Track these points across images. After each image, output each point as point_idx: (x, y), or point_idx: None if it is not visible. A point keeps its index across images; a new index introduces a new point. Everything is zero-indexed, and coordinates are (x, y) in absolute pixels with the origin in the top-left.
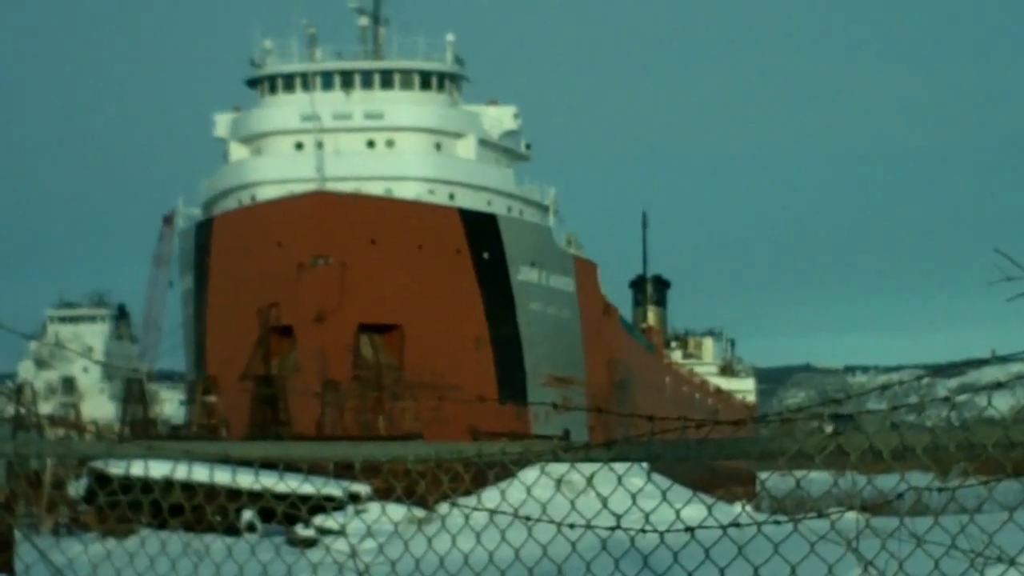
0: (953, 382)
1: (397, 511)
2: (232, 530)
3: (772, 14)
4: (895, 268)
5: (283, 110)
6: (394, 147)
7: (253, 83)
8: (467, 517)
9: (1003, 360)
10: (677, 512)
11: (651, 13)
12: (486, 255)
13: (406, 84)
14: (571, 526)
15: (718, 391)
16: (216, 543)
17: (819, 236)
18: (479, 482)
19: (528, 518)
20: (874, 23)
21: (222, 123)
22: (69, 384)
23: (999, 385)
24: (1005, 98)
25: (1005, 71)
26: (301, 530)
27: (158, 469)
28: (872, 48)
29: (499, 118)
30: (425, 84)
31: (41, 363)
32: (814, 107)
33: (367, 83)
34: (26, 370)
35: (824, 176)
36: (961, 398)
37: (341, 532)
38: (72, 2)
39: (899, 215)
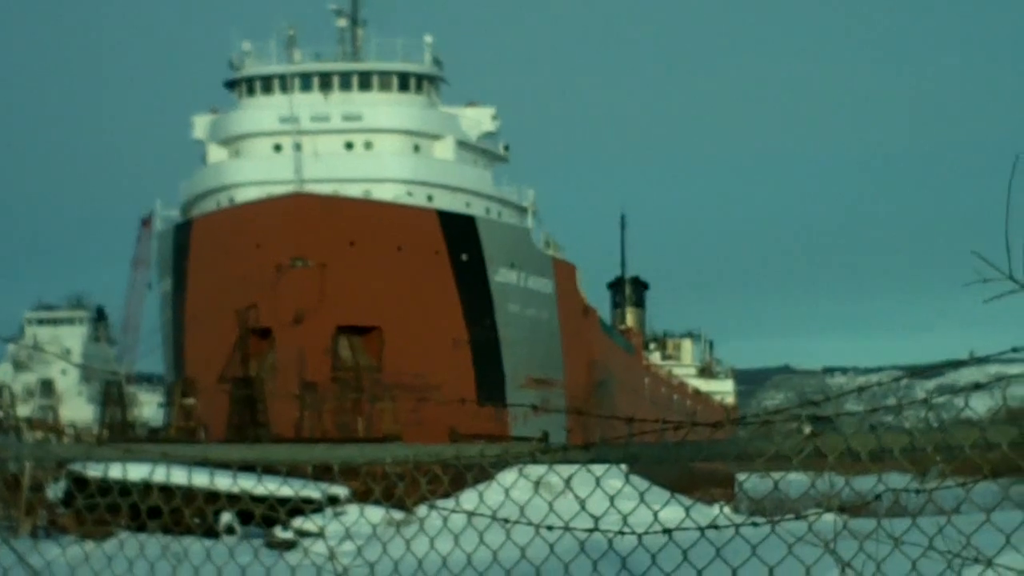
0: (931, 383)
1: (376, 513)
2: (211, 532)
3: (751, 16)
4: (874, 270)
5: (262, 112)
6: (372, 149)
7: (231, 85)
8: (445, 519)
9: (981, 361)
10: (655, 514)
11: (630, 15)
12: (464, 257)
13: (384, 86)
14: (549, 528)
15: (697, 392)
16: (195, 545)
17: (798, 238)
18: (458, 484)
19: (506, 520)
20: (852, 24)
21: (200, 125)
22: (47, 386)
23: (977, 386)
24: (982, 100)
25: (988, 73)
26: (280, 532)
27: (136, 472)
28: (849, 50)
29: (477, 119)
30: (403, 86)
31: (19, 365)
32: (794, 109)
33: (346, 85)
34: (4, 372)
35: (803, 178)
36: (939, 399)
37: (320, 534)
38: (49, 5)
39: (877, 217)
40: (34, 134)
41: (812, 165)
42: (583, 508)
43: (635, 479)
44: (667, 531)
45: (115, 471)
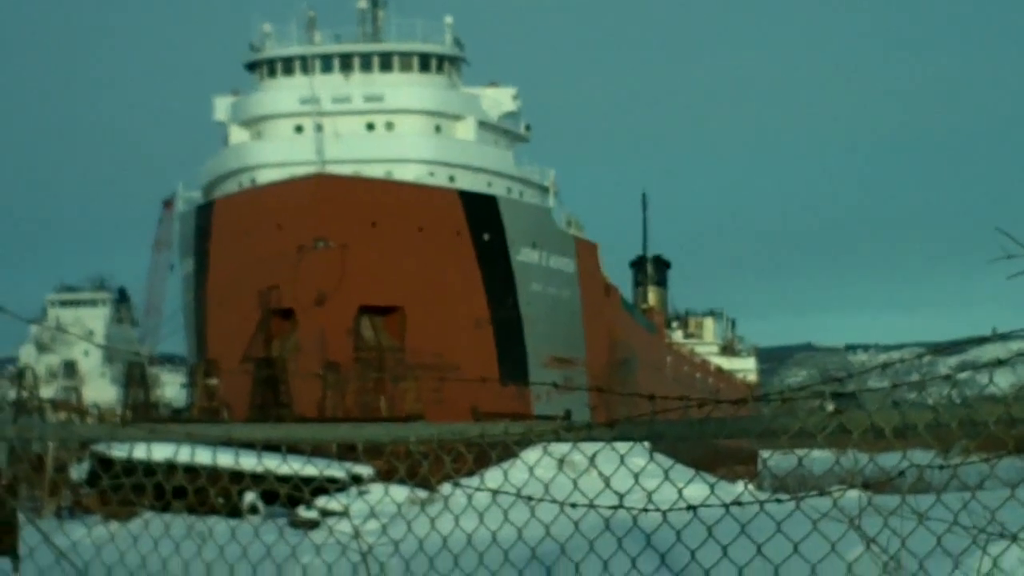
0: (954, 360)
1: (400, 492)
2: (235, 512)
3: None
4: (895, 247)
5: (282, 93)
6: (394, 129)
7: (252, 67)
8: (470, 497)
9: (1004, 338)
10: (679, 491)
11: None
12: (486, 236)
13: (405, 66)
14: (574, 505)
15: (719, 371)
16: (219, 525)
17: (819, 216)
18: (482, 463)
19: (531, 498)
20: (869, 11)
21: (222, 107)
22: (70, 368)
23: (1000, 363)
24: (1005, 80)
25: (1005, 54)
26: (304, 512)
27: (160, 452)
28: (870, 33)
29: (498, 100)
30: (424, 66)
31: (42, 347)
32: (815, 89)
33: (366, 66)
34: (27, 354)
35: (825, 157)
36: (962, 375)
37: (344, 513)
38: None
39: (899, 195)
40: (57, 117)
41: (835, 143)
42: (607, 486)
43: (659, 457)
44: (692, 508)
45: (140, 451)
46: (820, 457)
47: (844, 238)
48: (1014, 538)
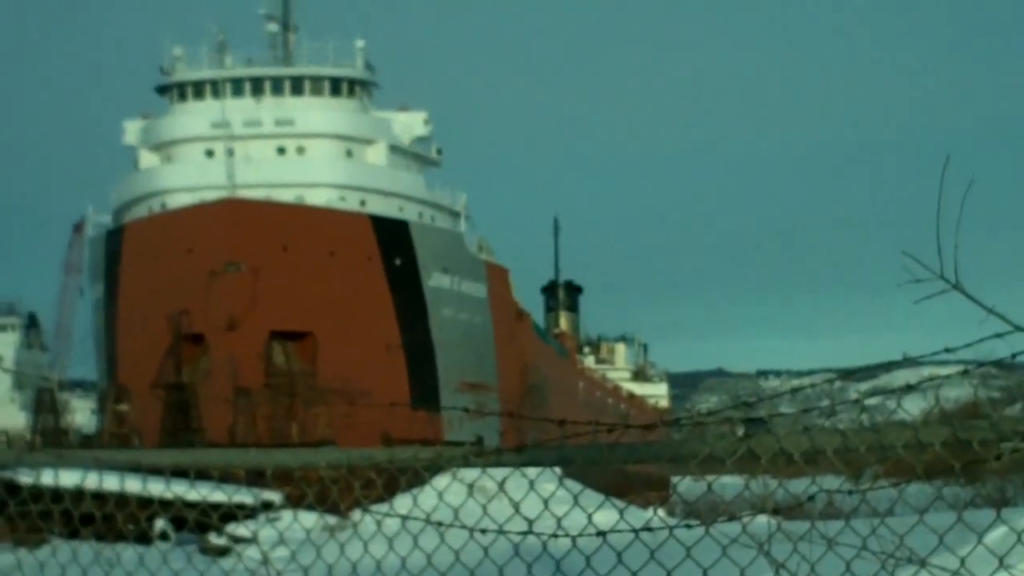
0: (864, 385)
1: (309, 518)
2: (144, 538)
3: (677, 19)
4: (806, 272)
5: (193, 117)
6: (305, 153)
7: (163, 90)
8: (379, 523)
9: (914, 362)
10: (589, 516)
11: (559, 17)
12: (398, 261)
13: (316, 90)
14: (483, 531)
15: (631, 396)
16: (128, 551)
17: (729, 240)
18: (391, 488)
19: (440, 524)
20: (786, 22)
21: (132, 130)
22: None
23: (909, 387)
24: (911, 99)
25: (917, 71)
26: (214, 538)
27: (68, 478)
28: (780, 48)
29: (409, 124)
30: (335, 90)
31: None
32: (723, 109)
33: (277, 89)
34: None
35: (733, 180)
36: (871, 400)
37: (253, 540)
38: None
39: (807, 218)
40: None
41: (743, 167)
42: (517, 511)
43: (569, 482)
44: (601, 533)
45: (47, 477)
46: (731, 483)
47: (755, 262)
48: (922, 563)
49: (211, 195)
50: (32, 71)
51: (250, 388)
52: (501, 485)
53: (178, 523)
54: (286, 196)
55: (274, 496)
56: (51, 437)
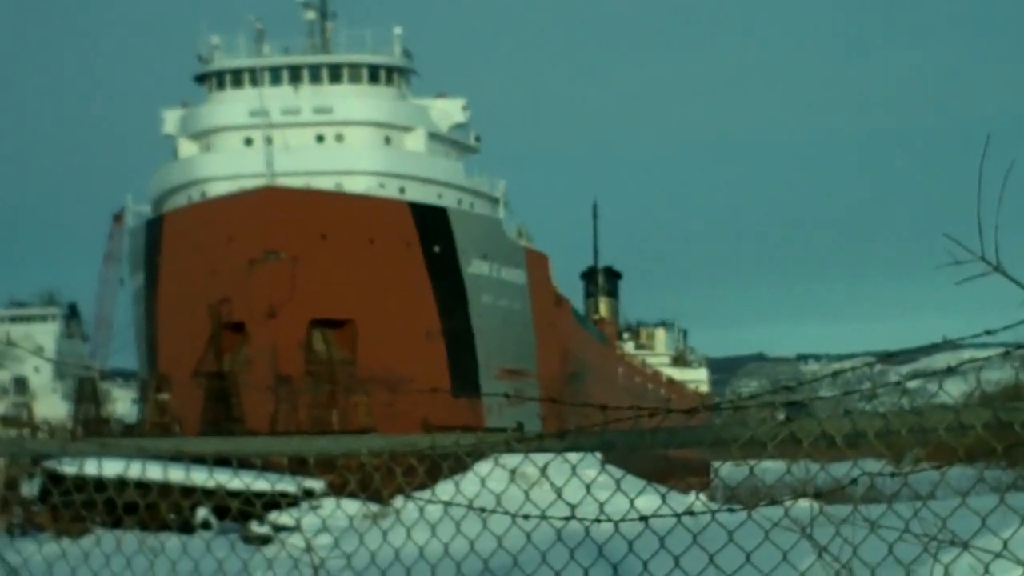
0: (905, 368)
1: (352, 506)
2: (187, 527)
3: (717, 7)
4: (845, 256)
5: (231, 106)
6: (343, 141)
7: (201, 79)
8: (422, 510)
9: (954, 345)
10: (631, 501)
11: (601, 4)
12: (437, 248)
13: (354, 78)
14: (525, 517)
15: (671, 381)
16: (171, 541)
17: (770, 225)
18: (433, 475)
19: (483, 510)
20: (819, 12)
21: (171, 119)
22: (21, 384)
23: (950, 370)
24: (952, 83)
25: (953, 54)
26: (256, 527)
27: (111, 467)
28: (814, 35)
29: (448, 111)
30: (373, 78)
31: None
32: (764, 94)
33: (315, 78)
34: None
35: (774, 165)
36: (912, 383)
37: (296, 528)
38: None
39: (848, 202)
40: (2, 131)
41: (784, 151)
42: (559, 497)
43: (611, 468)
44: (643, 518)
45: (90, 467)
46: (772, 467)
47: (795, 247)
48: (965, 546)
49: (250, 184)
50: (72, 62)
51: (290, 376)
52: (543, 471)
53: (220, 512)
54: (325, 184)
55: (316, 484)
56: (92, 426)
